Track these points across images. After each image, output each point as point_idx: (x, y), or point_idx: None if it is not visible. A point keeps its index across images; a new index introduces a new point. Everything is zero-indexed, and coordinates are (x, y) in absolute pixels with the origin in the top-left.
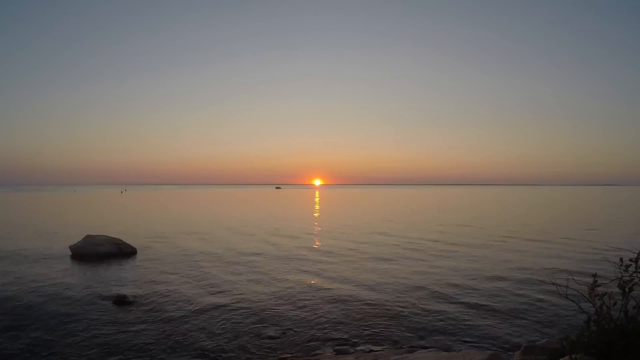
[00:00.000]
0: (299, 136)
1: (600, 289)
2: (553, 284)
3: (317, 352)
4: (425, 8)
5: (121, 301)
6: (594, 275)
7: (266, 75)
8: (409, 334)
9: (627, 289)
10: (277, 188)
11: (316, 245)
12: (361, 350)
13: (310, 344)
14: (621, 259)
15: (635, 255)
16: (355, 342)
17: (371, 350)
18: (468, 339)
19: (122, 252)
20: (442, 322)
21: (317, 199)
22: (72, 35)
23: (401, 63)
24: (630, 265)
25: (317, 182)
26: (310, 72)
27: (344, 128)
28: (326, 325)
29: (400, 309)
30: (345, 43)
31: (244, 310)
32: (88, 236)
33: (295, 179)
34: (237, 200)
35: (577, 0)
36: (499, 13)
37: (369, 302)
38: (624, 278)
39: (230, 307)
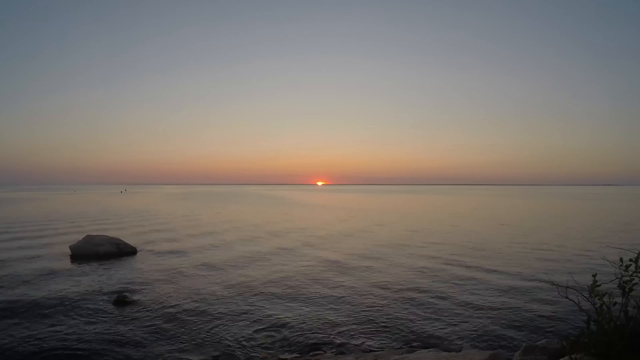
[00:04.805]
0: (300, 137)
1: (600, 289)
2: (553, 284)
3: (317, 352)
4: (425, 12)
5: (121, 301)
6: (594, 275)
7: (267, 77)
8: (409, 334)
9: (627, 289)
10: None
11: (310, 244)
12: (361, 350)
13: (310, 344)
14: (621, 259)
15: (635, 255)
16: (355, 341)
17: (371, 350)
18: (468, 339)
19: (122, 252)
20: (442, 322)
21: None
22: (72, 37)
23: (405, 63)
24: (630, 265)
25: (319, 183)
26: (312, 75)
27: (343, 128)
28: (326, 325)
29: (400, 309)
30: (347, 45)
31: (244, 310)
32: (88, 236)
33: (295, 179)
34: (238, 200)
35: (585, 1)
36: (500, 11)
37: (368, 302)
38: (624, 278)
39: (230, 307)
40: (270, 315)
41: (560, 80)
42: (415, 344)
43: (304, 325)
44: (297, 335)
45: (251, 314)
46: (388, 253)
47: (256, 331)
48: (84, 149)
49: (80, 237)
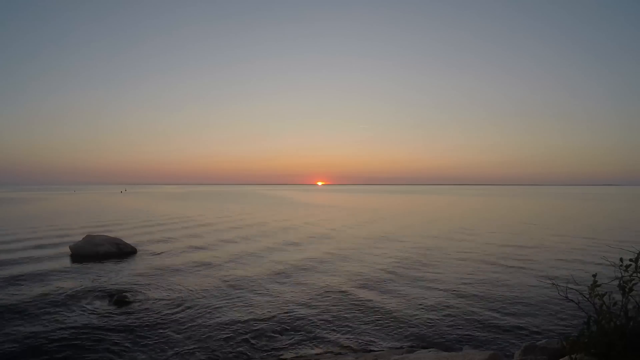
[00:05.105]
0: (300, 137)
1: (600, 289)
2: (553, 284)
3: (317, 352)
4: (425, 12)
5: (121, 301)
6: (594, 275)
7: (267, 77)
8: (409, 334)
9: (627, 289)
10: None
11: (308, 241)
12: (361, 350)
13: (310, 344)
14: (621, 259)
15: (635, 255)
16: (355, 341)
17: (371, 350)
18: (468, 339)
19: (122, 252)
20: (442, 322)
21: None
22: (72, 37)
23: (405, 63)
24: (630, 265)
25: (319, 183)
26: (313, 75)
27: (343, 128)
28: (326, 325)
29: (400, 309)
30: (347, 45)
31: (244, 311)
32: (88, 236)
33: (295, 179)
34: (238, 200)
35: (585, 1)
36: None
37: (369, 302)
38: (624, 278)
39: (230, 307)
40: (270, 316)
41: (560, 81)
42: (415, 344)
43: (305, 325)
44: (297, 335)
45: (251, 314)
46: (388, 253)
47: (257, 331)
48: (84, 149)
49: (80, 237)
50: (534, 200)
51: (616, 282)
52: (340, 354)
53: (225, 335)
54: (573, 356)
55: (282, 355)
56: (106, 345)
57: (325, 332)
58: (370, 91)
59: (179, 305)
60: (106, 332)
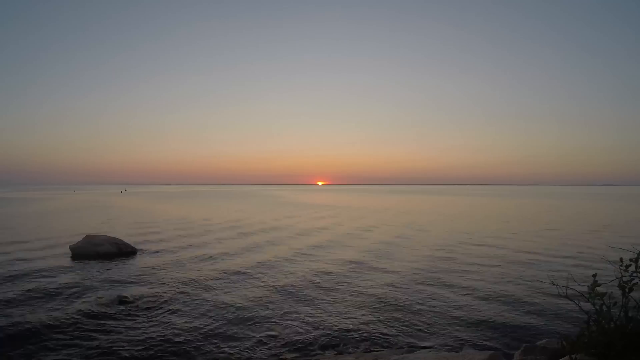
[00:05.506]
0: (300, 137)
1: (600, 289)
2: (553, 284)
3: (318, 352)
4: (420, 17)
5: (121, 301)
6: (594, 275)
7: (269, 78)
8: (409, 334)
9: (627, 289)
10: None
11: (308, 246)
12: (361, 350)
13: (310, 344)
14: (621, 259)
15: (635, 255)
16: (355, 341)
17: (371, 350)
18: (468, 339)
19: (122, 252)
20: (442, 322)
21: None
22: (72, 37)
23: (405, 64)
24: (630, 265)
25: (320, 183)
26: (313, 76)
27: (344, 129)
28: (327, 325)
29: (400, 309)
30: (347, 46)
31: (244, 311)
32: (88, 236)
33: (295, 179)
34: (238, 200)
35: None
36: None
37: (368, 302)
38: (624, 278)
39: (230, 308)
40: (271, 316)
41: (559, 81)
42: (415, 343)
43: (305, 325)
44: (298, 335)
45: (252, 314)
46: (389, 253)
47: (257, 332)
48: (84, 149)
49: (80, 237)
50: (533, 200)
51: (616, 282)
52: (340, 353)
53: (225, 336)
54: (573, 356)
55: (282, 355)
56: (106, 345)
57: (325, 332)
58: (371, 92)
59: (178, 306)
60: (106, 332)
